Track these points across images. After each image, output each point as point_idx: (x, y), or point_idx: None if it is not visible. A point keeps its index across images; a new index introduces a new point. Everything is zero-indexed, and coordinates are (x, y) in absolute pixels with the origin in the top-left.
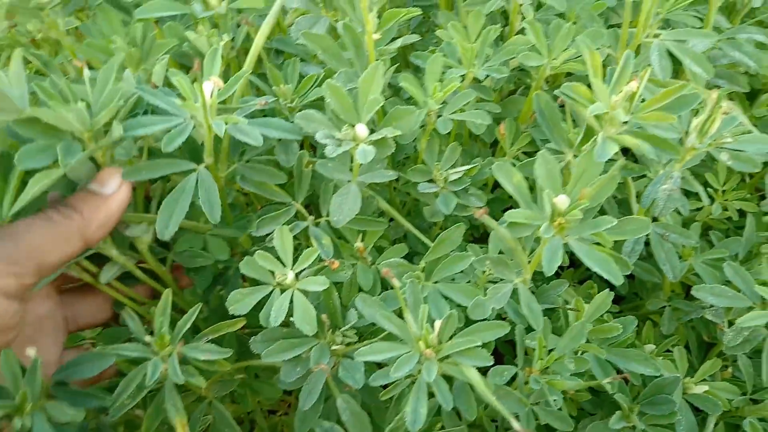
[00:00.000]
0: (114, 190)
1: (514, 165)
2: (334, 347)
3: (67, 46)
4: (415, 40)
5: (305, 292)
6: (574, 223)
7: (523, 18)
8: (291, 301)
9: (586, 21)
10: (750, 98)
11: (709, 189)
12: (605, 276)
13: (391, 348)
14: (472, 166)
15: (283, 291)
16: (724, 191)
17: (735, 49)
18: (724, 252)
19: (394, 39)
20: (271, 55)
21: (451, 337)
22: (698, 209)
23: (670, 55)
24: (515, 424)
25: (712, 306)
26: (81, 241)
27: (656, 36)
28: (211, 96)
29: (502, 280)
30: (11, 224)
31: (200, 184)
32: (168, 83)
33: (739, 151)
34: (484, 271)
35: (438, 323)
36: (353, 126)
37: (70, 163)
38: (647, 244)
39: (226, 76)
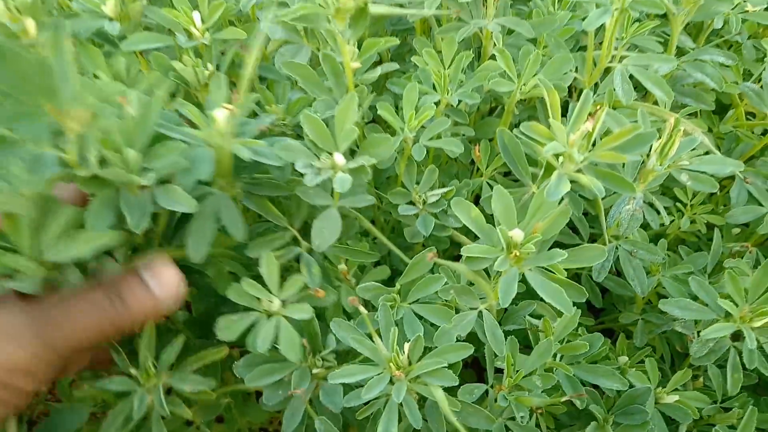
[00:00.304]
0: (167, 294)
1: (490, 186)
2: (314, 371)
3: None
4: (393, 68)
5: (290, 320)
6: (528, 256)
7: (495, 45)
8: (276, 328)
9: (553, 48)
10: (721, 113)
11: (678, 203)
12: (557, 307)
13: (363, 370)
14: (449, 189)
15: (269, 317)
16: (692, 205)
17: (698, 70)
18: (689, 267)
19: (376, 63)
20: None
21: (420, 358)
22: (671, 222)
23: (633, 78)
24: None
25: (681, 318)
26: (120, 330)
27: (621, 60)
28: (225, 122)
29: (469, 307)
30: (54, 300)
31: (222, 205)
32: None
33: (699, 172)
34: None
35: (407, 345)
36: (331, 154)
37: (143, 226)
38: (617, 260)
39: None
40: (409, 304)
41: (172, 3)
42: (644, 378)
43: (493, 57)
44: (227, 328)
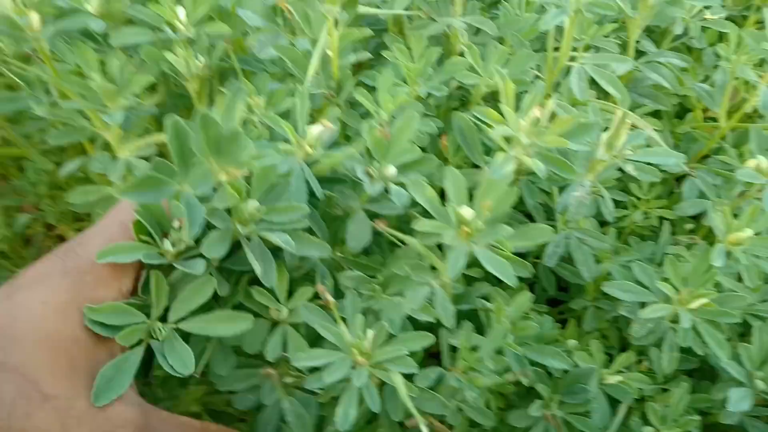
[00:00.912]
0: None
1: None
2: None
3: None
4: (367, 57)
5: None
6: (477, 232)
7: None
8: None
9: (517, 46)
10: (684, 116)
11: (632, 198)
12: (502, 277)
13: (327, 355)
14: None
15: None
16: (647, 200)
17: (653, 71)
18: (636, 254)
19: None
20: (233, 74)
21: (382, 346)
22: (626, 216)
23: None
24: (422, 426)
25: (626, 302)
26: None
27: (579, 60)
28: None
29: (422, 283)
30: (156, 413)
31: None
32: None
33: (644, 163)
34: None
35: (370, 333)
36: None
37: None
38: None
39: (210, 96)
40: (391, 295)
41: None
42: (590, 359)
43: (460, 54)
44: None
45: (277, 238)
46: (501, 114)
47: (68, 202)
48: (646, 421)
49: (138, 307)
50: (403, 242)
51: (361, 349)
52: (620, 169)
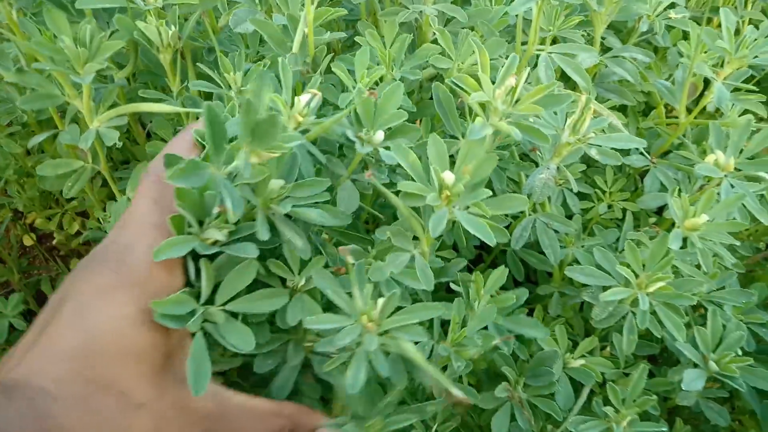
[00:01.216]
0: None
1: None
2: (306, 344)
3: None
4: (342, 36)
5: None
6: (458, 196)
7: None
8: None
9: (487, 35)
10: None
11: (597, 190)
12: (481, 237)
13: (337, 320)
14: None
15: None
16: (611, 193)
17: (617, 65)
18: (600, 240)
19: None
20: (204, 52)
21: (391, 315)
22: (591, 208)
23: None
24: (455, 391)
25: (589, 287)
26: None
27: (546, 49)
28: (307, 106)
29: (403, 250)
30: (235, 401)
31: None
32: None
33: (607, 147)
34: None
35: (381, 300)
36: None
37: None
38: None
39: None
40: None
41: None
42: (554, 343)
43: (433, 41)
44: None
45: (311, 213)
46: (478, 83)
47: (37, 188)
48: (607, 402)
49: (189, 294)
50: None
51: (371, 316)
52: (586, 163)
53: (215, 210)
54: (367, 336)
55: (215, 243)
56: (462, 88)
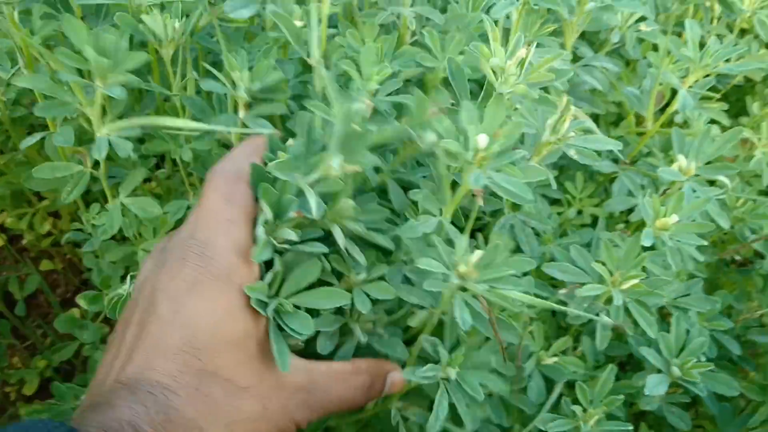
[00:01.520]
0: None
1: None
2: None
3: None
4: (333, 32)
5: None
6: (492, 157)
7: (413, 33)
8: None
9: (466, 38)
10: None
11: (567, 195)
12: (519, 195)
13: (432, 264)
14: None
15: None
16: (581, 199)
17: (587, 73)
18: (576, 238)
19: None
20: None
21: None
22: (560, 213)
23: None
24: (606, 319)
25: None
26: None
27: None
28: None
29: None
30: (322, 370)
31: None
32: None
33: (584, 148)
34: None
35: (478, 252)
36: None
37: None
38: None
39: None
40: None
41: None
42: (532, 341)
43: (412, 43)
44: None
45: (381, 240)
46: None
47: (9, 187)
48: (575, 402)
49: None
50: None
51: (468, 263)
52: (558, 169)
53: (291, 214)
54: (464, 283)
55: (284, 242)
56: (477, 55)
